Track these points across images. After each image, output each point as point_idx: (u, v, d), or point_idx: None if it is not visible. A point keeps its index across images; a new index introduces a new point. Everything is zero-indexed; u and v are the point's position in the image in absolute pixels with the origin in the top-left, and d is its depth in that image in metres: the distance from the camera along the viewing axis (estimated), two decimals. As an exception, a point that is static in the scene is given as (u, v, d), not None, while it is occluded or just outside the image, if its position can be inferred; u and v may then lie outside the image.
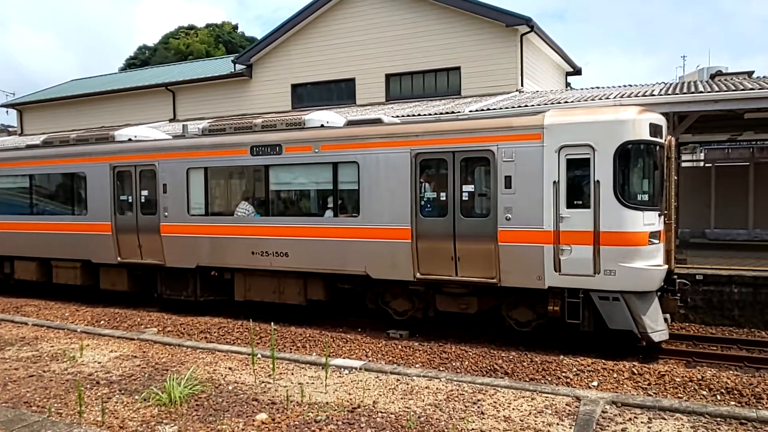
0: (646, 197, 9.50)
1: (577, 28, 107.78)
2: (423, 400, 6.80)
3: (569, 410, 6.48)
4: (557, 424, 6.12)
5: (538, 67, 21.80)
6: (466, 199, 10.22)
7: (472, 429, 5.97)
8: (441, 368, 8.87)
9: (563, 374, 8.36)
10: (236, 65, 24.46)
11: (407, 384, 7.37)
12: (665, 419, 6.24)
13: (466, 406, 6.60)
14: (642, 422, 6.16)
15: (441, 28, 20.43)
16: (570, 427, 6.02)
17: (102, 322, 12.47)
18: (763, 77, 16.36)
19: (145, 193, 13.33)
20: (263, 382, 7.48)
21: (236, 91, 24.47)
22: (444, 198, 10.36)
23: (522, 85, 19.59)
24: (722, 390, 7.60)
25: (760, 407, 7.06)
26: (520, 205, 9.68)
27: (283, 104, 23.13)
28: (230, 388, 7.30)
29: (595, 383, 8.00)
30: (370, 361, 9.12)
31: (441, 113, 15.35)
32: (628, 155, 9.28)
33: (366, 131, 11.14)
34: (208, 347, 9.36)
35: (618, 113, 9.53)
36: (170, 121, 25.27)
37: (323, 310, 12.64)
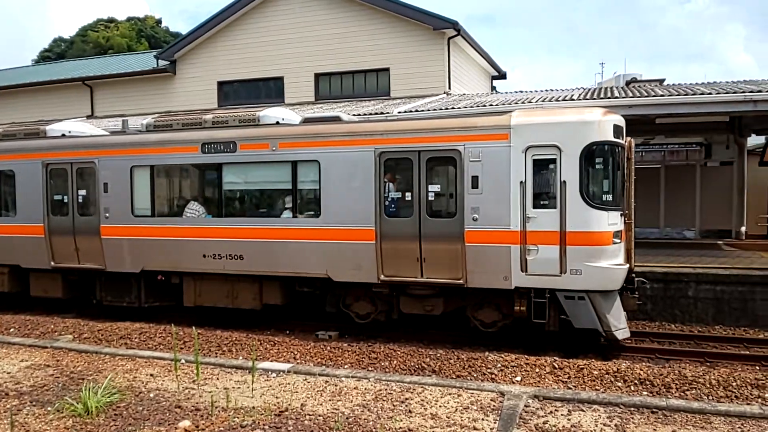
0: (610, 197, 9.59)
1: (505, 32, 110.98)
2: (351, 401, 6.79)
3: (494, 405, 6.64)
4: (482, 419, 6.25)
5: (465, 70, 22.27)
6: (432, 199, 10.09)
7: (400, 428, 6.01)
8: (370, 368, 8.88)
9: (488, 370, 8.55)
10: (159, 61, 23.65)
11: (336, 385, 7.34)
12: (584, 411, 6.50)
13: (394, 406, 6.64)
14: (562, 414, 6.39)
15: (371, 29, 20.51)
16: (495, 422, 6.17)
17: (12, 330, 11.71)
18: (673, 85, 17.38)
19: (82, 192, 12.50)
20: (187, 388, 7.25)
21: (159, 87, 23.65)
22: (409, 198, 10.17)
23: (449, 88, 19.96)
24: (636, 381, 7.99)
25: (669, 396, 7.48)
26: (487, 205, 9.64)
27: (208, 102, 22.55)
28: (152, 395, 7.03)
29: (518, 378, 8.23)
30: (298, 363, 9.02)
31: (370, 113, 15.39)
32: (593, 156, 9.37)
33: (328, 129, 10.78)
34: (128, 354, 8.98)
35: (584, 114, 9.66)
36: (87, 117, 24.09)
37: (278, 315, 12.25)
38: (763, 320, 11.59)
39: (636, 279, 10.09)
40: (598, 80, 30.51)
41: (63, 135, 13.29)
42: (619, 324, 9.53)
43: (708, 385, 7.77)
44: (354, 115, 15.29)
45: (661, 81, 19.06)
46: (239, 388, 7.28)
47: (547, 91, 18.20)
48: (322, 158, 10.63)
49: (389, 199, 10.33)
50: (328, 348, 9.88)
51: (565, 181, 9.28)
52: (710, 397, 7.45)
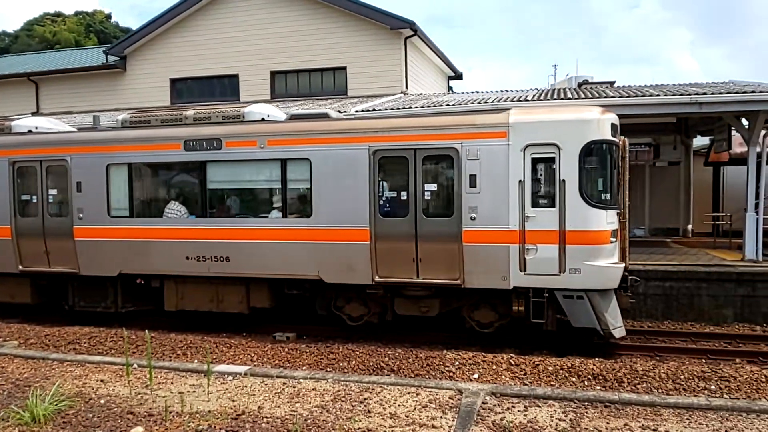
0: (608, 196, 9.52)
1: (461, 33, 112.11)
2: (310, 403, 6.72)
3: (452, 403, 6.68)
4: (441, 417, 6.28)
5: (422, 70, 22.39)
6: (429, 198, 9.90)
7: (359, 428, 5.98)
8: (328, 369, 8.82)
9: (447, 368, 8.60)
10: (109, 56, 22.97)
11: (294, 387, 7.26)
12: (539, 406, 6.60)
13: (353, 406, 6.61)
14: (519, 410, 6.48)
15: (327, 28, 20.41)
16: (453, 420, 6.20)
17: (-49, 336, 11.19)
18: (623, 87, 17.87)
19: (53, 192, 11.89)
20: (139, 394, 7.05)
21: (109, 84, 22.98)
22: (405, 197, 9.97)
23: (406, 88, 20.02)
24: (589, 376, 8.18)
25: (621, 390, 7.69)
26: (485, 204, 9.51)
27: (160, 99, 22.03)
28: (102, 401, 6.80)
29: (476, 375, 8.31)
30: (255, 365, 8.90)
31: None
32: (592, 154, 9.33)
33: (320, 126, 10.47)
34: (78, 359, 8.68)
35: (582, 112, 9.65)
36: (33, 114, 23.20)
37: (267, 317, 11.92)
38: (708, 315, 12.04)
39: (629, 277, 10.04)
40: (551, 82, 31.16)
41: (30, 131, 12.61)
42: (616, 323, 9.53)
43: (658, 379, 8.01)
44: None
45: (612, 83, 19.57)
46: (194, 392, 7.12)
47: (502, 92, 18.46)
48: (313, 156, 10.31)
49: (384, 199, 10.12)
50: (286, 349, 9.78)
51: (564, 180, 9.25)
52: (660, 390, 7.69)
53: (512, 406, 6.58)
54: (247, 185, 11.28)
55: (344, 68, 20.48)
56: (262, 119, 11.13)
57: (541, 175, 9.43)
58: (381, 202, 10.06)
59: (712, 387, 7.74)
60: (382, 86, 19.69)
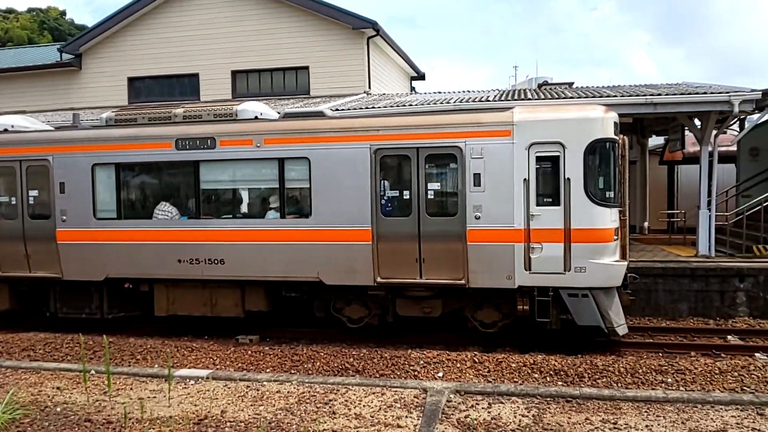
0: (611, 194, 9.54)
1: (425, 33, 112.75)
2: (274, 405, 6.66)
3: (417, 402, 6.70)
4: (406, 416, 6.30)
5: (385, 70, 22.42)
6: (432, 197, 9.80)
7: (324, 430, 5.96)
8: (292, 371, 8.76)
9: (411, 368, 8.64)
10: (63, 54, 22.29)
11: (258, 390, 7.18)
12: (503, 403, 6.69)
13: (317, 408, 6.57)
14: (483, 408, 6.54)
15: (289, 27, 20.25)
16: (418, 419, 6.23)
17: None
18: (582, 87, 18.23)
19: (34, 193, 11.38)
20: (98, 401, 6.87)
21: (63, 82, 22.30)
22: (408, 196, 9.83)
23: (369, 87, 20.02)
24: (551, 372, 8.32)
25: (582, 385, 7.84)
26: (490, 203, 9.45)
27: (118, 98, 21.50)
28: (59, 409, 6.61)
29: (440, 374, 8.36)
30: (218, 369, 8.77)
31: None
32: (596, 153, 9.35)
33: (319, 125, 10.23)
34: (32, 366, 8.41)
35: (587, 111, 9.64)
36: (-17, 113, 22.36)
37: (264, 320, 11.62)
38: (664, 309, 12.38)
39: (628, 275, 10.07)
40: (512, 83, 31.59)
41: (6, 130, 12.05)
42: (620, 320, 9.56)
43: (617, 373, 8.20)
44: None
45: (571, 84, 19.94)
46: (155, 397, 6.98)
47: (464, 92, 18.62)
48: (312, 155, 10.07)
49: (386, 198, 9.96)
50: (249, 352, 9.67)
51: (569, 179, 9.26)
52: (619, 384, 7.87)
53: (476, 404, 6.64)
54: (243, 185, 10.94)
55: (306, 68, 20.35)
56: (255, 117, 10.92)
57: (545, 173, 9.45)
58: (383, 202, 9.93)
59: (669, 380, 7.96)
60: (345, 86, 19.64)
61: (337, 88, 19.61)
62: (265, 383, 7.43)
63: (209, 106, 11.41)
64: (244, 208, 10.87)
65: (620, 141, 9.76)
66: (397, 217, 9.88)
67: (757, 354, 9.47)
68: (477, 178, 9.50)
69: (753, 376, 7.91)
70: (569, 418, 6.27)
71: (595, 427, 6.01)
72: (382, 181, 9.94)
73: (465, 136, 9.56)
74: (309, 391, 7.09)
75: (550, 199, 9.38)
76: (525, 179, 9.35)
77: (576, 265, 9.25)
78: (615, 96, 13.80)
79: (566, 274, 9.30)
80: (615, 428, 5.99)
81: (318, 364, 8.99)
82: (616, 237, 9.52)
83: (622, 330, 9.61)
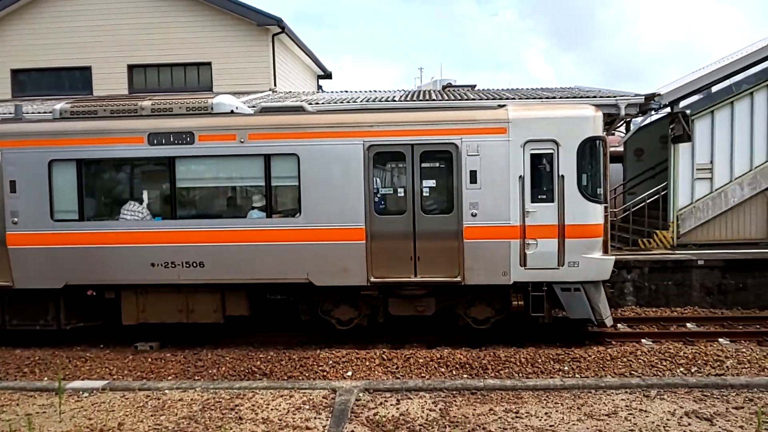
0: (601, 190, 9.73)
1: (332, 32, 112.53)
2: (176, 414, 6.39)
3: (326, 403, 6.66)
4: (315, 418, 6.24)
5: (291, 68, 22.16)
6: (427, 194, 9.67)
7: (230, 436, 5.79)
8: (196, 377, 8.45)
9: (320, 368, 8.58)
10: (-66, 42, 20.30)
11: (158, 399, 6.87)
12: (411, 398, 6.79)
13: (223, 414, 6.38)
14: (392, 404, 6.61)
15: (190, 21, 19.53)
16: (327, 419, 6.19)
17: None
18: (483, 90, 18.86)
19: None
20: (-23, 420, 6.30)
21: (-63, 73, 20.33)
22: (402, 194, 9.68)
23: (275, 85, 19.71)
24: (457, 365, 8.54)
25: (486, 377, 8.11)
26: (486, 200, 9.45)
27: (0, 92, 19.89)
28: (-71, 433, 6.00)
29: (349, 373, 8.36)
30: (114, 379, 8.30)
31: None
32: (589, 150, 9.53)
33: (310, 120, 9.84)
34: None
35: (580, 109, 9.86)
36: None
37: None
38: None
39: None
40: (417, 84, 32.21)
41: None
42: (606, 312, 9.84)
43: (519, 363, 8.55)
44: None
45: (473, 86, 20.57)
46: (44, 412, 6.50)
47: (371, 92, 18.74)
48: (302, 151, 9.64)
49: (380, 196, 9.78)
50: (149, 360, 9.23)
51: (563, 176, 9.41)
52: (521, 375, 8.20)
53: (385, 401, 6.70)
54: (225, 183, 10.33)
55: (209, 64, 19.72)
56: (231, 111, 10.30)
57: (540, 170, 9.55)
58: (376, 199, 9.72)
59: (566, 368, 8.39)
60: (250, 83, 19.20)
61: (241, 85, 19.13)
62: (166, 391, 7.12)
63: (180, 98, 10.66)
64: (226, 207, 10.27)
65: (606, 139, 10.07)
66: (392, 215, 9.72)
67: (643, 340, 10.18)
68: (473, 175, 9.49)
69: (640, 360, 8.50)
70: (474, 409, 6.45)
71: (499, 417, 6.23)
72: (376, 179, 9.76)
73: (461, 133, 9.54)
74: (214, 398, 6.87)
75: (545, 196, 9.52)
76: (521, 176, 9.45)
77: (570, 260, 9.45)
78: (513, 98, 14.38)
79: (560, 269, 9.49)
80: (517, 417, 6.23)
81: (223, 369, 8.73)
82: (605, 232, 9.80)
83: (609, 321, 9.92)
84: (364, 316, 10.34)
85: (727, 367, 8.17)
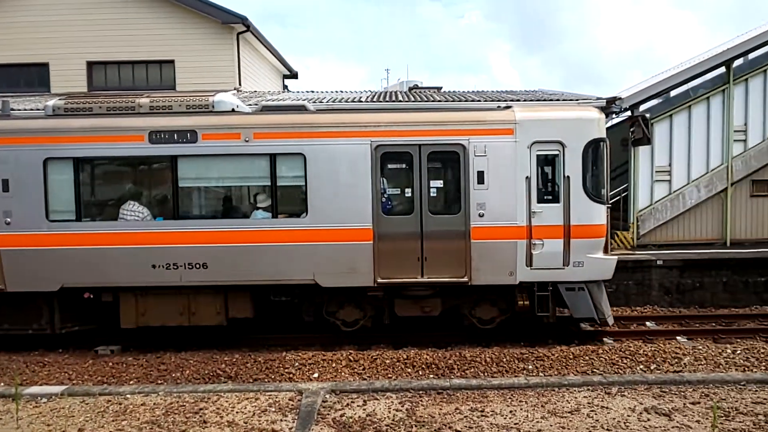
0: (605, 191, 9.94)
1: (299, 32, 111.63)
2: (139, 419, 6.26)
3: (292, 405, 6.62)
4: (281, 420, 6.20)
5: (256, 67, 21.94)
6: (434, 195, 9.72)
7: (194, 441, 5.70)
8: (159, 381, 8.28)
9: (286, 370, 8.52)
10: None
11: (120, 404, 6.72)
12: (378, 399, 6.79)
13: (187, 418, 6.28)
14: (358, 405, 6.60)
15: (152, 17, 19.15)
16: (293, 422, 6.15)
17: None
18: (449, 92, 19.01)
19: None
20: (-73, 429, 6.07)
21: None
22: (409, 194, 9.69)
23: (240, 84, 19.48)
24: (423, 366, 8.57)
25: (452, 376, 8.16)
26: (493, 200, 9.52)
27: (-48, 88, 19.18)
28: None
29: (316, 375, 8.32)
30: (74, 384, 8.08)
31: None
32: (593, 152, 9.69)
33: (317, 119, 9.78)
34: None
35: (585, 111, 10.07)
36: None
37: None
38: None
39: None
40: (384, 85, 32.26)
41: None
42: (608, 311, 10.05)
43: (484, 363, 8.63)
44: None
45: (439, 88, 20.71)
46: (1, 419, 6.29)
47: (337, 92, 18.69)
48: (308, 151, 9.55)
49: (387, 196, 9.77)
50: (110, 364, 9.02)
51: (568, 176, 9.55)
52: (486, 374, 8.28)
53: (352, 402, 6.69)
54: (229, 183, 10.18)
55: (172, 61, 19.36)
56: (232, 110, 10.13)
57: (546, 171, 9.72)
58: (383, 200, 9.71)
59: (530, 367, 8.51)
60: (214, 82, 18.89)
61: (205, 83, 18.81)
62: (128, 396, 6.97)
63: (179, 96, 10.43)
64: (230, 207, 10.16)
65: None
66: (399, 215, 9.75)
67: (605, 338, 10.39)
68: (480, 175, 9.57)
69: (602, 359, 8.68)
70: (440, 409, 6.50)
71: (465, 416, 6.28)
72: (383, 179, 9.75)
73: (468, 133, 9.61)
74: (178, 402, 6.75)
75: (551, 197, 9.69)
76: (527, 177, 9.57)
77: (575, 260, 9.60)
78: (479, 100, 14.53)
79: (565, 269, 9.63)
80: (482, 416, 6.30)
81: (187, 372, 8.59)
82: (607, 233, 9.97)
83: (610, 320, 10.14)
84: (369, 318, 10.29)
85: (684, 364, 8.40)
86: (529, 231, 9.59)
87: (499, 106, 10.64)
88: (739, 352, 8.86)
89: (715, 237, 15.45)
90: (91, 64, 19.51)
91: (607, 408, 6.50)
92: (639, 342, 9.87)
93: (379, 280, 9.66)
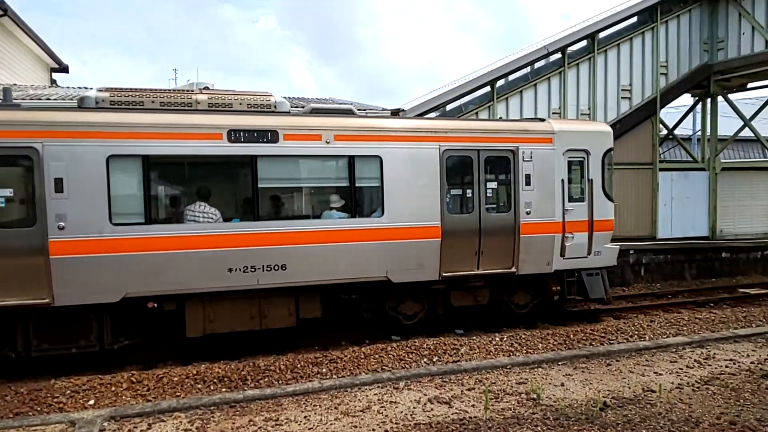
0: (612, 192, 11.91)
1: (77, 23, 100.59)
2: None
3: (63, 439, 5.89)
4: (48, 458, 5.47)
5: (16, 57, 19.30)
6: (491, 195, 10.91)
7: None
8: None
9: (56, 400, 7.54)
10: None
11: None
12: (164, 421, 6.36)
13: None
14: (142, 430, 6.11)
15: None
16: (63, 458, 5.47)
17: None
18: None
19: (6, 193, 8.34)
20: None
21: None
22: (470, 194, 10.77)
23: (-6, 76, 16.96)
24: (215, 380, 8.21)
25: (246, 388, 7.95)
26: (537, 200, 10.98)
27: None
28: None
29: (91, 402, 7.50)
30: None
31: None
32: (608, 158, 11.75)
33: (392, 124, 10.51)
34: None
35: (602, 125, 12.53)
36: None
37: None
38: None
39: None
40: (172, 86, 30.52)
41: None
42: (609, 293, 12.29)
43: (278, 371, 8.55)
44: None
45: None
46: None
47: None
48: (385, 153, 10.08)
49: (451, 196, 10.75)
50: None
51: (591, 179, 11.50)
52: (280, 382, 8.21)
53: (134, 428, 6.18)
54: (308, 183, 10.30)
55: None
56: (288, 111, 10.20)
57: (575, 175, 11.45)
58: (448, 199, 10.59)
59: (324, 370, 8.63)
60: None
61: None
62: None
63: (238, 94, 10.09)
64: (309, 208, 10.31)
65: None
66: (462, 213, 10.78)
67: (393, 336, 10.98)
68: (528, 178, 10.99)
69: (390, 355, 9.14)
70: (234, 423, 6.29)
71: (259, 427, 6.16)
72: (448, 180, 10.54)
73: (518, 141, 10.96)
74: None
75: (578, 197, 11.48)
76: (562, 180, 11.25)
77: (595, 250, 11.50)
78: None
79: (588, 257, 11.50)
80: (277, 425, 6.23)
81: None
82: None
83: (610, 300, 12.77)
84: (425, 310, 11.00)
85: (461, 354, 9.21)
86: (563, 226, 11.26)
87: (540, 119, 12.56)
88: (505, 339, 9.97)
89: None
90: None
91: (395, 403, 6.84)
92: (423, 337, 10.52)
93: (444, 274, 10.50)
